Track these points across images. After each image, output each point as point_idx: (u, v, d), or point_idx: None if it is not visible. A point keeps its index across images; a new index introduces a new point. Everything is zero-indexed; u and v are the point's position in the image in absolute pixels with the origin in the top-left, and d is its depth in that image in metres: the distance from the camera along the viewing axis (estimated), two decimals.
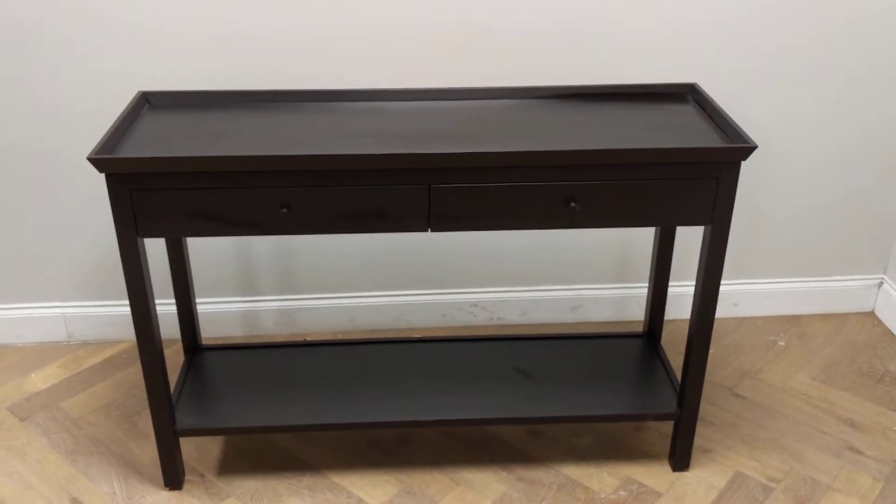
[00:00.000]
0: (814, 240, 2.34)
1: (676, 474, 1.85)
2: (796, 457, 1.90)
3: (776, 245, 2.34)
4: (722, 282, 2.29)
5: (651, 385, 1.88)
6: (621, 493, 1.80)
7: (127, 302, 2.15)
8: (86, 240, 2.19)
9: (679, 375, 1.98)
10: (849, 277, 2.42)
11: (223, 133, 1.59)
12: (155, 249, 2.06)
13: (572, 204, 1.51)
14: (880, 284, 2.42)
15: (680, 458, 1.84)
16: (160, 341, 1.65)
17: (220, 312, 2.31)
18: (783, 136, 2.18)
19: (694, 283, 1.67)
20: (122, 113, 1.61)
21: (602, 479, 1.84)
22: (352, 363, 1.95)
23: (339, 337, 2.35)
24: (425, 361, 1.95)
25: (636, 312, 2.39)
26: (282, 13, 1.94)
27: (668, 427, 1.96)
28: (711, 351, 2.27)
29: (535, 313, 2.39)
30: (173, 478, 1.79)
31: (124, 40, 1.94)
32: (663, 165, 1.50)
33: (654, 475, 1.84)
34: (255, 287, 2.29)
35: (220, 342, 2.24)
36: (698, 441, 1.92)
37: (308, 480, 1.84)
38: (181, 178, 1.46)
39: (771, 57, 2.07)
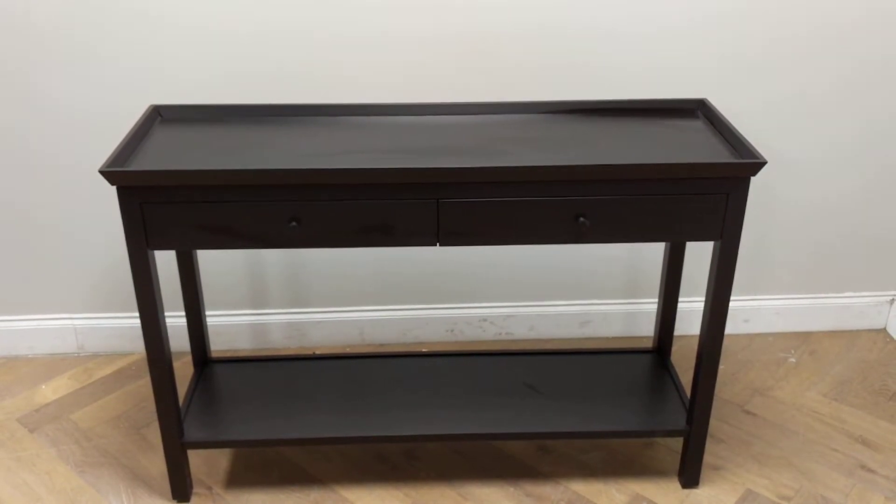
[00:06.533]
0: (825, 256, 2.33)
1: (686, 491, 1.84)
2: (807, 475, 1.88)
3: (787, 261, 2.33)
4: (733, 298, 2.29)
5: (660, 401, 1.87)
6: None
7: (137, 314, 2.16)
8: (97, 252, 2.20)
9: (689, 392, 1.97)
10: (860, 294, 2.40)
11: (234, 147, 1.60)
12: (165, 262, 2.07)
13: (581, 219, 1.51)
14: (892, 301, 2.41)
15: (689, 475, 1.83)
16: (169, 354, 1.65)
17: (229, 325, 2.31)
18: (794, 154, 2.17)
19: (704, 298, 1.67)
20: (134, 126, 1.62)
21: (611, 495, 1.83)
22: (360, 377, 1.94)
23: (348, 351, 2.35)
24: (434, 376, 1.95)
25: (646, 328, 2.39)
26: (295, 25, 1.95)
27: (677, 444, 1.95)
28: (722, 367, 2.25)
29: (544, 328, 2.38)
30: (181, 490, 1.79)
31: (135, 51, 1.96)
32: (673, 181, 1.50)
33: (664, 492, 1.83)
34: (265, 300, 2.30)
35: (229, 355, 2.25)
36: (708, 458, 1.91)
37: (315, 494, 1.83)
38: (192, 191, 1.47)
39: (785, 73, 2.07)
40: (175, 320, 2.16)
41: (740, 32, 2.02)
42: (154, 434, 2.00)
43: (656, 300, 2.30)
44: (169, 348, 1.65)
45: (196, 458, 1.91)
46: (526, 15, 1.97)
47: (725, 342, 2.34)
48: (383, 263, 2.26)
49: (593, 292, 2.35)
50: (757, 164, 1.48)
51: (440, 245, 1.54)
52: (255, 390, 1.90)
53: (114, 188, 2.00)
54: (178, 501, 1.81)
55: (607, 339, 2.39)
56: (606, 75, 2.04)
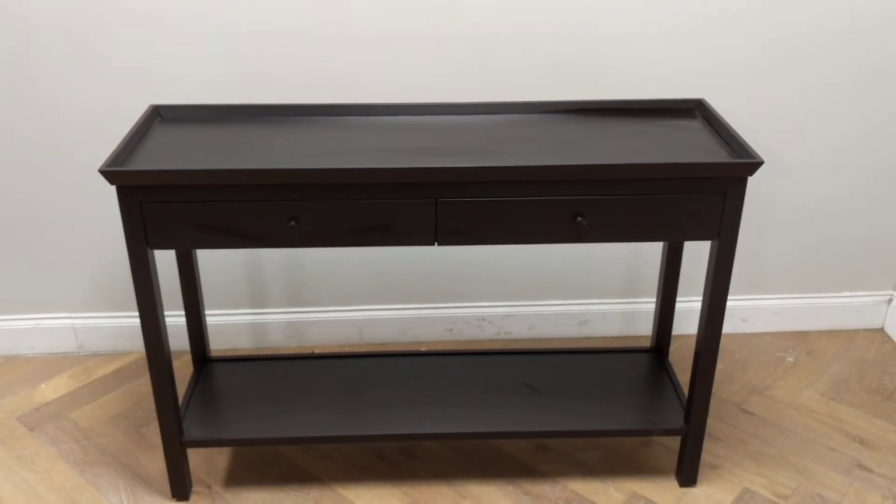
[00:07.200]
0: (823, 256, 2.34)
1: (683, 490, 1.84)
2: (805, 473, 1.89)
3: (785, 261, 2.34)
4: (731, 298, 2.30)
5: (658, 400, 1.88)
6: None
7: (136, 313, 2.16)
8: (96, 251, 2.20)
9: (686, 391, 1.97)
10: (858, 293, 2.41)
11: (233, 146, 1.60)
12: (165, 261, 2.07)
13: (579, 219, 1.52)
14: (889, 301, 2.41)
15: (687, 474, 1.84)
16: (169, 353, 1.66)
17: (228, 324, 2.32)
18: (792, 154, 2.18)
19: (702, 298, 1.67)
20: (134, 126, 1.63)
21: (609, 494, 1.83)
22: (359, 376, 1.95)
23: (347, 350, 2.35)
24: (432, 375, 1.95)
25: (644, 328, 2.39)
26: (295, 25, 1.96)
27: (675, 442, 1.95)
28: (720, 367, 2.26)
29: (543, 328, 2.39)
30: (180, 489, 1.80)
31: (135, 51, 1.97)
32: (670, 180, 1.50)
33: (661, 491, 1.84)
34: (264, 299, 2.31)
35: (228, 354, 2.26)
36: (706, 457, 1.91)
37: (315, 493, 1.84)
38: (191, 190, 1.47)
39: (783, 73, 2.08)
40: (174, 319, 2.17)
41: (739, 33, 2.03)
42: (153, 433, 2.01)
43: (654, 300, 2.31)
44: (168, 347, 1.65)
45: (195, 456, 1.92)
46: (524, 15, 1.98)
47: (723, 341, 2.35)
48: (382, 263, 2.27)
49: (591, 292, 2.35)
50: (754, 164, 1.49)
51: (438, 244, 1.55)
52: (255, 389, 1.90)
53: (113, 188, 2.01)
54: (178, 500, 1.81)
55: (605, 338, 2.40)
56: (604, 75, 2.05)
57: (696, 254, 2.25)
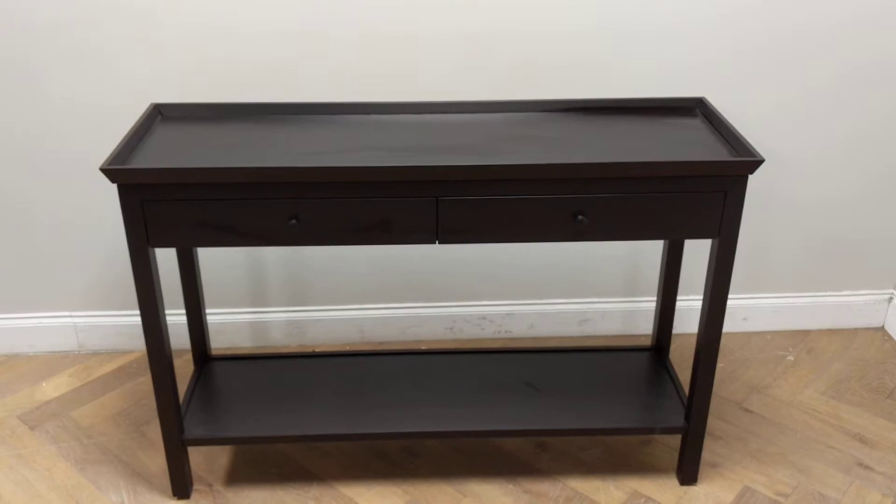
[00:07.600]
0: (823, 255, 2.34)
1: (684, 488, 1.84)
2: (805, 472, 1.89)
3: (786, 260, 2.34)
4: (731, 296, 2.30)
5: (659, 399, 1.88)
6: None
7: (137, 312, 2.16)
8: (97, 250, 2.21)
9: (687, 389, 1.98)
10: (859, 293, 2.41)
11: (234, 145, 1.61)
12: (165, 260, 2.07)
13: (580, 217, 1.52)
14: (890, 300, 2.41)
15: (687, 472, 1.84)
16: (170, 351, 1.66)
17: (229, 323, 2.32)
18: (792, 152, 2.18)
19: (702, 296, 1.67)
20: (135, 124, 1.63)
21: (609, 492, 1.83)
22: (360, 375, 1.95)
23: (348, 348, 2.36)
24: (433, 374, 1.96)
25: (644, 326, 2.39)
26: (295, 25, 1.96)
27: (675, 441, 1.95)
28: (720, 365, 2.26)
29: (543, 326, 2.39)
30: (181, 487, 1.80)
31: (136, 50, 1.97)
32: (671, 179, 1.50)
33: (662, 489, 1.84)
34: (265, 298, 2.31)
35: (229, 353, 2.25)
36: (706, 455, 1.92)
37: (315, 491, 1.84)
38: (192, 189, 1.47)
39: (784, 72, 2.08)
40: (175, 318, 2.17)
41: (739, 32, 2.03)
42: (154, 431, 2.01)
43: (655, 298, 2.31)
44: (169, 346, 1.66)
45: (196, 454, 1.92)
46: (525, 14, 1.98)
47: (724, 340, 2.35)
48: (383, 261, 2.27)
49: (592, 290, 2.35)
50: (754, 163, 1.49)
51: (439, 243, 1.55)
52: (255, 388, 1.91)
53: (115, 186, 2.01)
54: (178, 498, 1.81)
55: (606, 337, 2.40)
56: (605, 74, 2.05)
57: (697, 252, 2.25)
